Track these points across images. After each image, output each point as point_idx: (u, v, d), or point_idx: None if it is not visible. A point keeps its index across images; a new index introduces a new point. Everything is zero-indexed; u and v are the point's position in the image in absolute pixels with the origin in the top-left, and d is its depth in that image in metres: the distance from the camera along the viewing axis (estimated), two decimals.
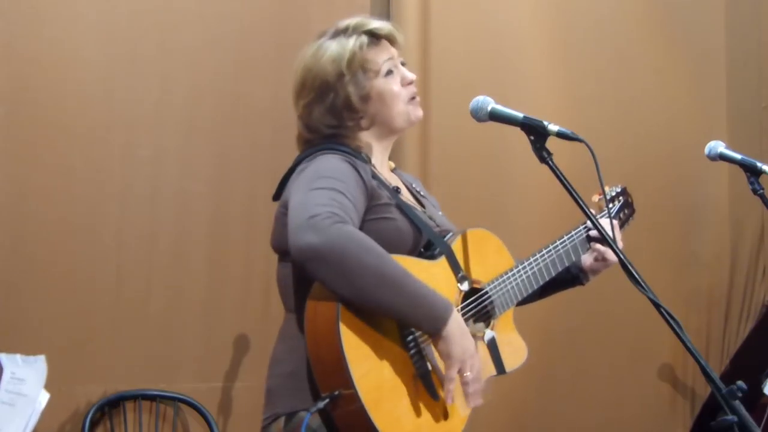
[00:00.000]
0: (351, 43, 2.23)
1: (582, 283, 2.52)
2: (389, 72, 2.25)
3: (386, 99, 2.23)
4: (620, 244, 2.36)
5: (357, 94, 2.20)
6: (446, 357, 1.99)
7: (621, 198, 2.65)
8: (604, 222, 2.38)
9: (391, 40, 2.29)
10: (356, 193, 2.04)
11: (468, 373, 2.00)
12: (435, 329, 1.98)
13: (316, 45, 2.25)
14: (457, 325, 1.99)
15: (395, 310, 1.96)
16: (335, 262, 1.88)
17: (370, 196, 2.10)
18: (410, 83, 2.26)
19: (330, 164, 2.09)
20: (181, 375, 3.42)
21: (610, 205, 2.58)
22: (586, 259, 2.47)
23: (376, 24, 2.29)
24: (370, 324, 1.96)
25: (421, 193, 2.40)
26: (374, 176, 2.16)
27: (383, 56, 2.25)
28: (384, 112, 2.23)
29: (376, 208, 2.11)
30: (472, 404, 2.05)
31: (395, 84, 2.24)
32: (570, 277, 2.48)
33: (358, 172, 2.10)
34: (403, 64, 2.30)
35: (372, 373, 1.93)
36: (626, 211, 2.67)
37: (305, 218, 1.90)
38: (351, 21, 2.27)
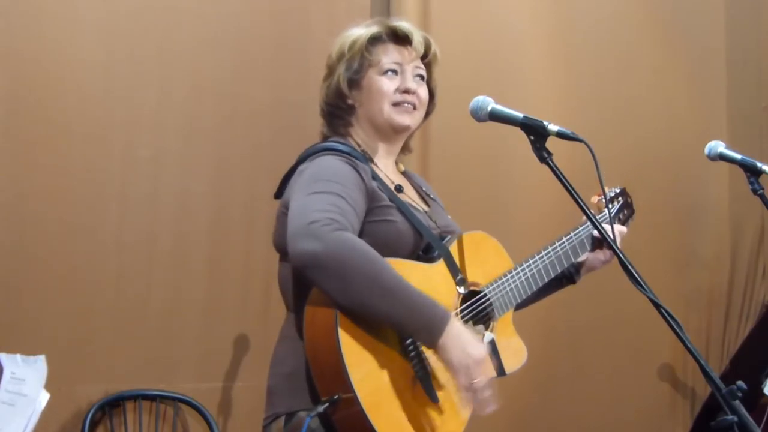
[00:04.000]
0: (363, 30, 2.26)
1: (574, 282, 2.52)
2: (390, 71, 2.24)
3: (372, 92, 2.23)
4: (619, 242, 2.36)
5: (346, 79, 2.23)
6: (448, 365, 1.96)
7: (620, 198, 2.66)
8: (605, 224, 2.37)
9: (408, 44, 2.27)
10: (356, 196, 2.03)
11: (477, 380, 1.95)
12: (432, 339, 1.95)
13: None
14: (456, 334, 1.95)
15: (392, 319, 1.94)
16: (335, 270, 1.87)
17: (371, 198, 2.10)
18: (405, 91, 2.23)
19: (330, 166, 2.09)
20: (181, 375, 3.42)
21: (610, 206, 2.57)
22: (586, 257, 2.47)
23: (397, 23, 2.29)
24: (368, 328, 1.95)
25: (431, 195, 2.39)
26: (374, 177, 2.15)
27: (393, 56, 2.25)
28: (368, 106, 2.24)
29: (376, 209, 2.10)
30: (485, 411, 1.99)
31: (389, 83, 2.23)
32: (562, 277, 2.47)
33: (359, 173, 2.09)
34: (422, 77, 2.29)
35: (371, 377, 1.93)
36: (626, 212, 2.67)
37: (305, 224, 1.89)
38: (385, 18, 2.33)
